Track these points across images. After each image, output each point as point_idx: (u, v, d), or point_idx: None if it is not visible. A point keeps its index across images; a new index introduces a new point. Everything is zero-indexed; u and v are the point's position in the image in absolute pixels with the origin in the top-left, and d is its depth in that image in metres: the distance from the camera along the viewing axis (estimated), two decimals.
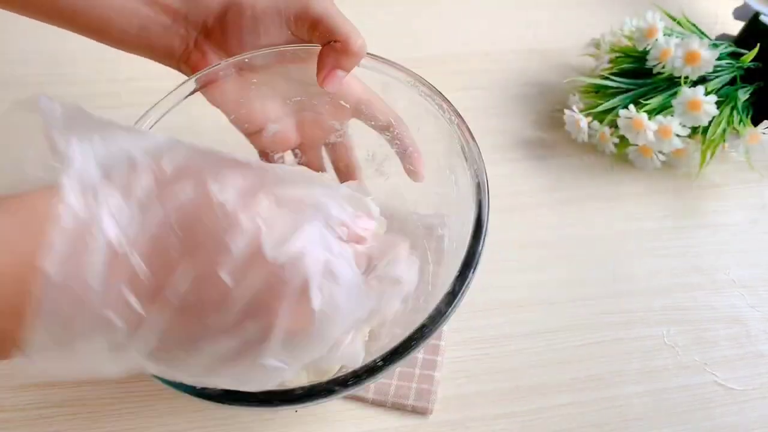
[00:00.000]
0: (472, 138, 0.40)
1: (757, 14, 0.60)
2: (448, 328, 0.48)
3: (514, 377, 0.46)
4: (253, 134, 0.46)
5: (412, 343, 0.33)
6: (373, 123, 0.45)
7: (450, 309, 0.34)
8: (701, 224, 0.56)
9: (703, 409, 0.45)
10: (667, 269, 0.53)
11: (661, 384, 0.46)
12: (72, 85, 0.63)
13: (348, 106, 0.45)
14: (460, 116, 0.41)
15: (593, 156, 0.60)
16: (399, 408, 0.44)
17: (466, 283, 0.35)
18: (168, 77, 0.44)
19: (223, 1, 0.42)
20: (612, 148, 0.59)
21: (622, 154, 0.59)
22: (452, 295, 0.34)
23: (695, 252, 0.54)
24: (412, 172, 0.46)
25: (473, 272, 0.35)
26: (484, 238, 0.36)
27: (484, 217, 0.37)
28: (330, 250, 0.27)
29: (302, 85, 0.44)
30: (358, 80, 0.44)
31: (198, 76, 0.42)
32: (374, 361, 0.33)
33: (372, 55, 0.43)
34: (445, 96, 0.42)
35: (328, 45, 0.41)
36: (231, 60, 0.42)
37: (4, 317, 0.23)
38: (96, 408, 0.44)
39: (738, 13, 0.63)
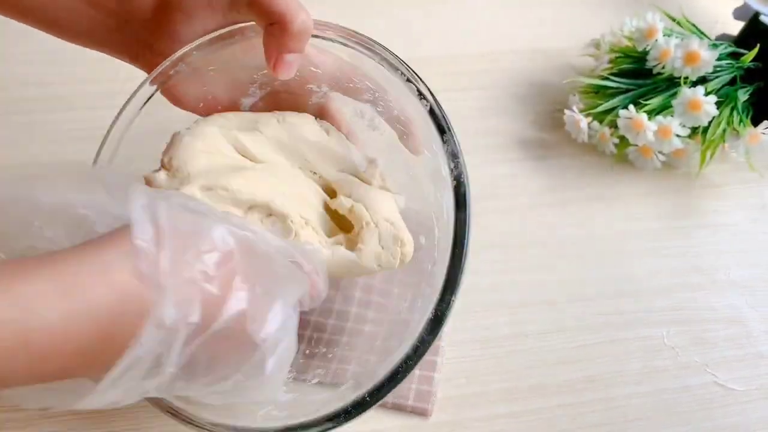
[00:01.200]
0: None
1: (757, 14, 0.60)
2: (448, 328, 0.48)
3: (513, 377, 0.46)
4: None
5: (398, 376, 0.35)
6: (356, 97, 0.43)
7: (434, 337, 0.36)
8: (701, 224, 0.56)
9: (703, 409, 0.45)
10: (667, 269, 0.53)
11: (661, 384, 0.46)
12: (72, 85, 0.63)
13: (320, 71, 0.42)
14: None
15: (593, 156, 0.60)
16: (399, 409, 0.44)
17: (449, 307, 0.36)
18: None
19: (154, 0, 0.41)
20: (612, 148, 0.59)
21: (622, 154, 0.59)
22: (435, 322, 0.37)
23: (695, 252, 0.54)
24: (409, 145, 0.43)
25: (455, 296, 0.37)
26: (464, 260, 0.36)
27: (465, 236, 0.36)
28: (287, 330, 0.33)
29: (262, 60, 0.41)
30: (326, 53, 0.42)
31: (150, 78, 0.41)
32: (363, 395, 0.35)
33: (333, 25, 0.40)
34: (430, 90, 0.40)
35: (266, 29, 0.38)
36: (174, 56, 0.40)
37: (98, 342, 0.26)
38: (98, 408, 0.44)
39: (738, 13, 0.63)
